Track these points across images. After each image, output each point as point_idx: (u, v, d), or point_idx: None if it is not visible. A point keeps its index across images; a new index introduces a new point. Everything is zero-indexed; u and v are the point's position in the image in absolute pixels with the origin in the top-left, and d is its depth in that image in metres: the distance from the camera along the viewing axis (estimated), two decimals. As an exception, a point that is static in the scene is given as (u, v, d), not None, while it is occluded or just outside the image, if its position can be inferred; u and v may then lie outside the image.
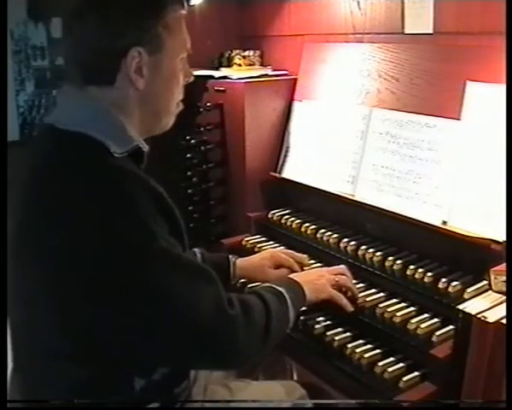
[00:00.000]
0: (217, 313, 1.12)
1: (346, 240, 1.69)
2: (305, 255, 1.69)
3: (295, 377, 1.73)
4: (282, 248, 1.82)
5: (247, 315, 1.17)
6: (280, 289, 1.32)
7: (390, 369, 1.29)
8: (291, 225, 1.88)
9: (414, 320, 1.37)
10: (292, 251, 1.71)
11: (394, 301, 1.47)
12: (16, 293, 1.16)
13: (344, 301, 1.44)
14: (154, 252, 1.07)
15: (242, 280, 1.65)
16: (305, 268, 1.64)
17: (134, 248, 1.06)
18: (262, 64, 2.31)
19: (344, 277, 1.49)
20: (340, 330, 1.45)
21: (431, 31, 1.74)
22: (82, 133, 1.12)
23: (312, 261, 1.73)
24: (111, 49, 1.15)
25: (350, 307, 1.44)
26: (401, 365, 1.31)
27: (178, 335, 1.10)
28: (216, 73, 2.13)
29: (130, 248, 1.05)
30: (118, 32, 1.14)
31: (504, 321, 1.12)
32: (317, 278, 1.45)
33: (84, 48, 1.16)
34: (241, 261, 1.63)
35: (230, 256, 1.64)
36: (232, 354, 1.17)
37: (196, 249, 1.61)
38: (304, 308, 1.46)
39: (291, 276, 1.45)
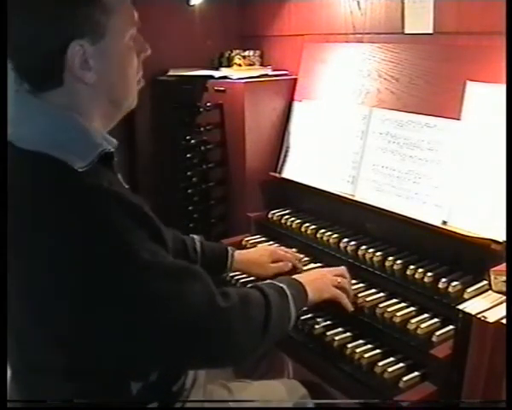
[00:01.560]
0: (209, 309, 1.10)
1: (346, 240, 1.69)
2: (302, 255, 1.74)
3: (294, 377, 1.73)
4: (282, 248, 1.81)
5: (245, 307, 1.17)
6: (281, 285, 1.31)
7: (390, 369, 1.29)
8: (291, 225, 1.88)
9: (414, 320, 1.37)
10: (288, 249, 1.75)
11: (394, 301, 1.47)
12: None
13: (345, 300, 1.44)
14: (138, 266, 1.04)
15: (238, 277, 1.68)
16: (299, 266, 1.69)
17: (118, 267, 1.03)
18: (262, 64, 2.31)
19: (344, 279, 1.49)
20: (340, 330, 1.45)
21: (431, 31, 1.74)
22: (42, 154, 1.05)
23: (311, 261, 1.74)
24: (49, 50, 1.07)
25: (351, 307, 1.44)
26: (401, 365, 1.31)
27: (173, 337, 1.09)
28: (216, 73, 2.13)
29: (116, 267, 1.03)
30: (51, 30, 1.05)
31: (504, 321, 1.12)
32: (320, 278, 1.45)
33: (24, 53, 1.09)
34: (239, 254, 1.66)
35: (229, 248, 1.66)
36: (229, 348, 1.15)
37: (195, 236, 1.62)
38: (304, 308, 1.47)
39: (293, 277, 1.45)
